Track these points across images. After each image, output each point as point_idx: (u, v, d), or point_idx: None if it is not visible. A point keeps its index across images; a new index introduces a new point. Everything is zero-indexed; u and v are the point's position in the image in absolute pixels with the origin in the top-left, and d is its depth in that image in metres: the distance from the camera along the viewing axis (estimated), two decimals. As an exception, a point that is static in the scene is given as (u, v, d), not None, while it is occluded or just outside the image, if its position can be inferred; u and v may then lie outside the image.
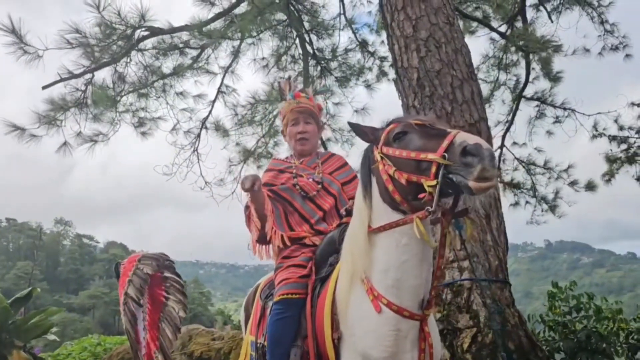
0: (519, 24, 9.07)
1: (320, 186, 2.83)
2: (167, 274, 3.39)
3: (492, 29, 9.13)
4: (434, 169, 1.78)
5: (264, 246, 2.88)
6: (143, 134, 8.13)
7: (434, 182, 1.77)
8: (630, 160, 8.80)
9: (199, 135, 8.67)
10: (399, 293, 2.03)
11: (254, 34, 8.05)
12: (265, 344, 2.50)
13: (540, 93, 9.37)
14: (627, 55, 9.26)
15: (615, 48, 9.25)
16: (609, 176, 9.02)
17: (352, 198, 2.68)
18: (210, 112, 8.69)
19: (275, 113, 8.50)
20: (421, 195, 1.85)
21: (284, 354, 2.37)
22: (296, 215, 2.78)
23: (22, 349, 6.98)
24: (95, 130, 7.40)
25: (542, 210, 9.53)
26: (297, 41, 8.96)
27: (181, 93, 8.32)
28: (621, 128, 9.05)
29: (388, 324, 2.02)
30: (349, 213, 2.54)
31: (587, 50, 9.20)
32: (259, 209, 2.73)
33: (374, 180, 2.16)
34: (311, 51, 8.96)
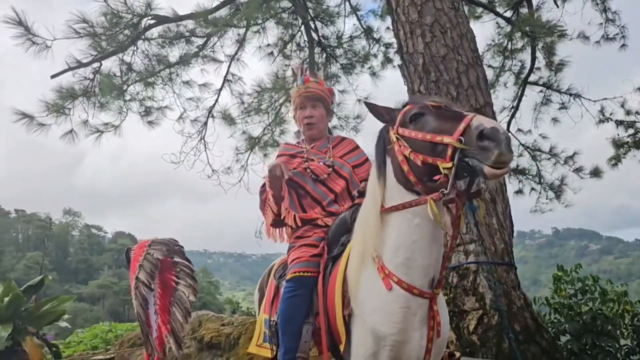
0: (524, 10, 9.02)
1: (331, 169, 2.87)
2: (177, 259, 3.42)
3: (497, 14, 9.07)
4: (450, 152, 1.79)
5: (277, 230, 2.94)
6: (150, 122, 8.16)
7: (449, 165, 1.78)
8: (637, 144, 8.75)
9: (205, 124, 8.70)
10: (408, 272, 2.06)
11: (259, 21, 8.05)
12: (278, 321, 2.55)
13: (545, 79, 9.34)
14: (622, 46, 9.21)
15: (612, 38, 9.20)
16: (616, 161, 8.99)
17: (364, 180, 2.75)
18: (216, 100, 8.72)
19: (281, 101, 8.51)
20: (436, 177, 1.87)
21: (295, 331, 2.42)
22: (308, 199, 2.83)
23: (35, 335, 7.07)
24: (104, 120, 7.46)
25: (546, 198, 9.51)
26: (302, 28, 8.94)
27: (187, 82, 8.34)
28: (628, 113, 9.01)
29: (398, 302, 2.05)
30: (361, 195, 2.57)
31: (586, 38, 9.17)
32: (276, 193, 2.80)
33: (388, 160, 2.18)
34: (316, 38, 8.94)
